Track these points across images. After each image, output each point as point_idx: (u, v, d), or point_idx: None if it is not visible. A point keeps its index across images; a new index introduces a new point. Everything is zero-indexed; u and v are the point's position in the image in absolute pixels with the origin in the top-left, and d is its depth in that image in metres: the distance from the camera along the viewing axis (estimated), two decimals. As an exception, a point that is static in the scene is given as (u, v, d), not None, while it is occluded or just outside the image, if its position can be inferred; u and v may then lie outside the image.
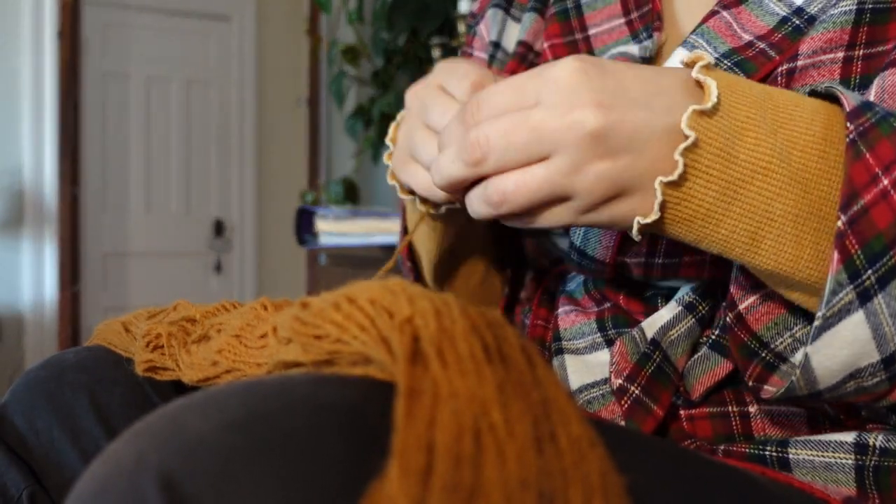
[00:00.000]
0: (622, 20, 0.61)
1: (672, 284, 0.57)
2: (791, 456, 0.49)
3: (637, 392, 0.52)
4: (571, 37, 0.63)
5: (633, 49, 0.59)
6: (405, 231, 0.68)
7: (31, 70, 3.08)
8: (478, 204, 0.44)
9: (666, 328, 0.53)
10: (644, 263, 0.55)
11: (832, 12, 0.50)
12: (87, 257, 3.41)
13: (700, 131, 0.40)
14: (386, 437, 0.25)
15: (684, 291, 0.55)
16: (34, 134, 3.11)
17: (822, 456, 0.48)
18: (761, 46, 0.52)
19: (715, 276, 0.53)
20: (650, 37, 0.59)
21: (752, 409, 0.52)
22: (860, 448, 0.48)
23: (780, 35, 0.52)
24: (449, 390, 0.22)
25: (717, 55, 0.53)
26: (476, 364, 0.23)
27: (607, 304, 0.59)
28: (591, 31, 0.63)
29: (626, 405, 0.52)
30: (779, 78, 0.51)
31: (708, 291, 0.54)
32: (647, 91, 0.41)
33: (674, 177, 0.40)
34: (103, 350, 0.62)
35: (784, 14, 0.53)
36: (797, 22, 0.52)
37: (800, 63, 0.50)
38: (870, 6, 0.49)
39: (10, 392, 0.60)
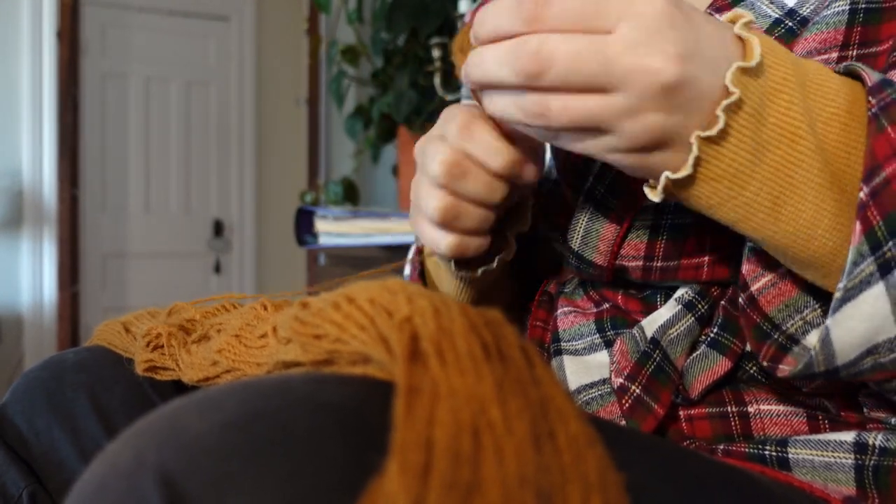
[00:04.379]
0: None
1: (671, 285, 0.57)
2: (791, 455, 0.49)
3: (638, 391, 0.52)
4: None
5: None
6: (420, 270, 0.65)
7: (30, 70, 3.08)
8: (510, 107, 0.42)
9: (665, 326, 0.53)
10: (642, 267, 0.55)
11: (825, 13, 0.50)
12: (86, 258, 3.41)
13: (741, 89, 0.39)
14: (385, 435, 0.25)
15: (683, 290, 0.55)
16: (33, 134, 3.11)
17: (822, 455, 0.48)
18: None
19: (713, 277, 0.53)
20: None
21: (752, 409, 0.52)
22: (860, 447, 0.48)
23: (773, 38, 0.52)
24: (448, 388, 0.22)
25: None
26: (475, 362, 0.23)
27: (606, 305, 0.59)
28: None
29: (626, 404, 0.52)
30: None
31: (707, 290, 0.54)
32: (719, 52, 0.40)
33: (713, 132, 0.39)
34: (103, 350, 0.62)
35: (776, 16, 0.53)
36: (790, 24, 0.52)
37: None
38: (863, 6, 0.49)
39: (10, 392, 0.60)
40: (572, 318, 0.60)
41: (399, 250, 1.65)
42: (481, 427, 0.20)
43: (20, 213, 3.11)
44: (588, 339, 0.59)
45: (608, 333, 0.58)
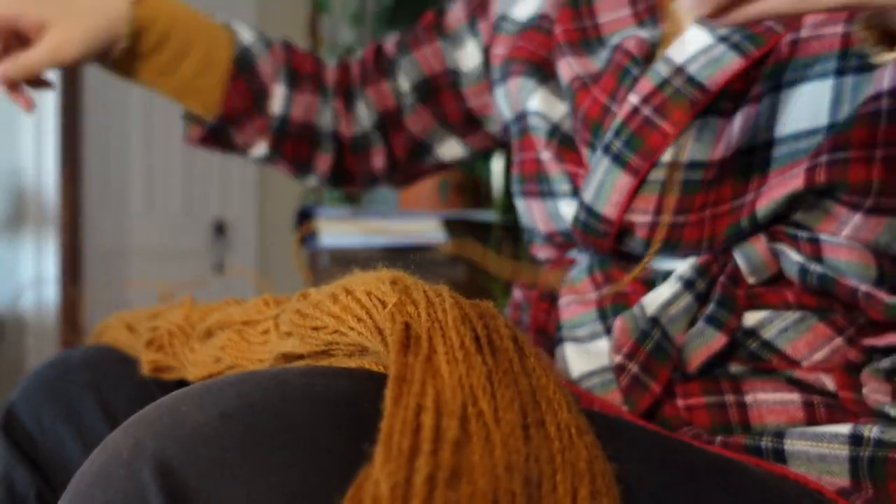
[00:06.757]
0: (629, 10, 0.65)
1: (668, 267, 0.58)
2: (787, 447, 0.49)
3: (635, 369, 0.54)
4: (581, 23, 0.67)
5: (643, 33, 0.62)
6: None
7: (32, 70, 3.08)
8: None
9: (665, 305, 0.55)
10: (650, 223, 0.57)
11: None
12: (88, 257, 3.42)
13: None
14: (378, 426, 0.25)
15: (683, 269, 0.57)
16: (35, 133, 3.11)
17: (818, 447, 0.49)
18: (768, 24, 0.55)
19: (714, 234, 0.56)
20: (656, 27, 0.62)
21: (749, 398, 0.53)
22: (855, 439, 0.48)
23: None
24: (437, 378, 0.22)
25: (730, 28, 0.56)
26: (466, 353, 0.23)
27: (606, 288, 0.61)
28: (600, 20, 0.66)
29: (624, 382, 0.54)
30: (783, 48, 0.54)
31: (707, 267, 0.56)
32: None
33: None
34: (109, 348, 0.63)
35: None
36: None
37: (803, 34, 0.53)
38: None
39: (18, 391, 0.61)
40: (574, 308, 0.62)
41: (399, 250, 1.66)
42: (470, 416, 0.21)
43: (22, 212, 3.12)
44: (589, 326, 0.60)
45: (609, 321, 0.59)
